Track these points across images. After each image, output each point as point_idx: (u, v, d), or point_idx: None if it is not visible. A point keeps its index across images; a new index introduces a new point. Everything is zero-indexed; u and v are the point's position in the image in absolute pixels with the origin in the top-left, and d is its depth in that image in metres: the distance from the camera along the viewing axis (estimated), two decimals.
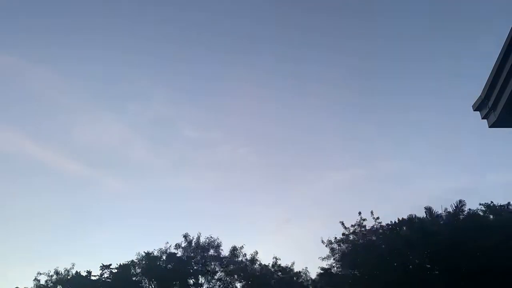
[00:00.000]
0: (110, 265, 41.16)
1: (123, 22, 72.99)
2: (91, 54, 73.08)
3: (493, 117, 7.06)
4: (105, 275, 40.55)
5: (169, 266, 39.31)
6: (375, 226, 34.16)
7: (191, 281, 39.79)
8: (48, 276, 39.94)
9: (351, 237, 34.54)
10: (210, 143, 75.58)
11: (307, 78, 77.11)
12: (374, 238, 33.70)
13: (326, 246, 34.83)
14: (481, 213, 32.81)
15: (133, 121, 76.10)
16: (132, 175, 74.79)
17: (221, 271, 40.08)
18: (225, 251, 40.47)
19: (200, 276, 39.94)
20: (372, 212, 34.24)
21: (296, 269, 40.96)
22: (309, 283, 40.37)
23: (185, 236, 40.55)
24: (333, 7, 76.31)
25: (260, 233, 65.52)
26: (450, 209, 32.24)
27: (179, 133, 75.12)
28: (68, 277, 40.06)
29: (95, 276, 40.54)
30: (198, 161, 74.03)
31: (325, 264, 35.10)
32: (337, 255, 34.45)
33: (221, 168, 74.38)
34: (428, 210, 33.28)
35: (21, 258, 58.59)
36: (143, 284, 39.92)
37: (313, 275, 39.78)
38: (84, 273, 40.52)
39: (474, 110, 7.53)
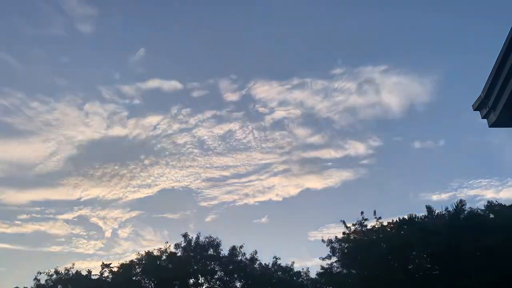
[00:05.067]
0: (110, 264, 41.29)
1: None
2: None
3: (493, 117, 7.04)
4: (105, 275, 40.60)
5: (169, 266, 39.34)
6: (376, 226, 34.22)
7: (191, 281, 39.82)
8: (48, 275, 40.01)
9: (352, 236, 34.55)
10: None
11: None
12: (374, 237, 33.70)
13: (326, 245, 34.87)
14: (481, 213, 32.79)
15: None
16: None
17: (221, 271, 40.11)
18: (224, 251, 40.56)
19: (200, 275, 39.97)
20: (374, 212, 34.36)
21: (296, 268, 41.05)
22: (309, 282, 40.38)
23: (185, 236, 40.62)
24: None
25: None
26: (450, 209, 32.24)
27: None
28: (68, 277, 40.08)
29: (95, 275, 40.60)
30: None
31: (325, 263, 35.15)
32: (337, 254, 34.47)
33: None
34: (429, 209, 33.27)
35: None
36: (143, 283, 39.96)
37: (313, 274, 39.85)
38: (84, 273, 40.58)
39: (474, 110, 7.52)
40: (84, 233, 66.40)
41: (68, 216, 63.68)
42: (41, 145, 68.92)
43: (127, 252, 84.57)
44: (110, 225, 65.94)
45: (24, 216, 63.13)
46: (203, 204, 66.33)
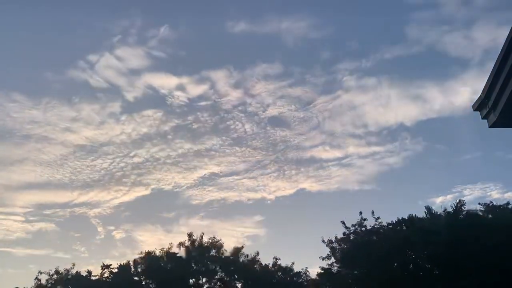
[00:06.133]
0: (111, 265, 41.35)
1: None
2: None
3: (493, 117, 7.09)
4: (106, 275, 40.67)
5: (170, 266, 39.38)
6: (375, 226, 34.30)
7: (191, 281, 39.87)
8: (49, 275, 40.08)
9: (352, 236, 34.61)
10: None
11: None
12: (374, 237, 33.76)
13: (326, 245, 34.93)
14: (480, 213, 32.86)
15: None
16: None
17: (222, 271, 40.18)
18: (226, 252, 40.66)
19: (200, 276, 40.04)
20: (372, 212, 34.44)
21: (296, 269, 41.09)
22: (309, 283, 40.44)
23: (189, 235, 40.79)
24: None
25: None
26: (450, 209, 32.32)
27: None
28: (69, 277, 40.15)
29: (95, 276, 40.70)
30: None
31: (325, 263, 35.22)
32: (337, 254, 34.51)
33: None
34: (428, 210, 33.35)
35: None
36: (144, 284, 40.01)
37: (313, 275, 39.91)
38: (84, 273, 40.65)
39: (474, 110, 7.58)
40: (79, 235, 66.19)
41: (61, 217, 63.03)
42: (26, 142, 66.57)
43: (122, 253, 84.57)
44: (104, 225, 65.55)
45: (14, 218, 62.05)
46: (196, 202, 66.03)
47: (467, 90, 62.53)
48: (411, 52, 71.98)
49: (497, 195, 63.28)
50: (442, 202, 67.95)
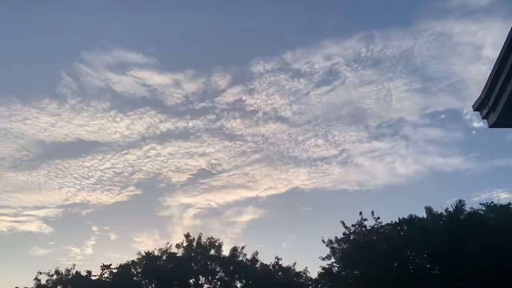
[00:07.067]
0: (110, 265, 41.37)
1: None
2: None
3: (493, 117, 7.06)
4: (105, 275, 40.68)
5: (169, 266, 39.36)
6: (375, 226, 34.28)
7: (191, 281, 39.84)
8: (49, 276, 40.09)
9: (352, 236, 34.60)
10: None
11: None
12: (374, 238, 33.75)
13: (326, 245, 34.89)
14: (481, 213, 32.83)
15: None
16: None
17: (222, 271, 40.13)
18: (225, 251, 40.61)
19: (200, 276, 40.00)
20: (372, 212, 34.41)
21: (297, 269, 41.00)
22: (310, 283, 40.40)
23: (187, 236, 40.74)
24: None
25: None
26: (450, 209, 32.29)
27: None
28: (69, 277, 40.14)
29: (95, 276, 40.69)
30: None
31: (325, 263, 35.20)
32: (337, 254, 34.50)
33: None
34: (428, 210, 33.32)
35: None
36: (143, 284, 39.99)
37: (313, 275, 39.86)
38: (84, 273, 40.64)
39: (474, 110, 7.55)
40: (74, 235, 65.71)
41: (53, 218, 61.98)
42: (7, 139, 63.45)
43: (118, 253, 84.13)
44: (100, 226, 65.14)
45: (3, 218, 60.91)
46: (189, 201, 65.43)
47: (476, 83, 59.72)
48: (415, 42, 65.99)
49: (505, 195, 61.76)
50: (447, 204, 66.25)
